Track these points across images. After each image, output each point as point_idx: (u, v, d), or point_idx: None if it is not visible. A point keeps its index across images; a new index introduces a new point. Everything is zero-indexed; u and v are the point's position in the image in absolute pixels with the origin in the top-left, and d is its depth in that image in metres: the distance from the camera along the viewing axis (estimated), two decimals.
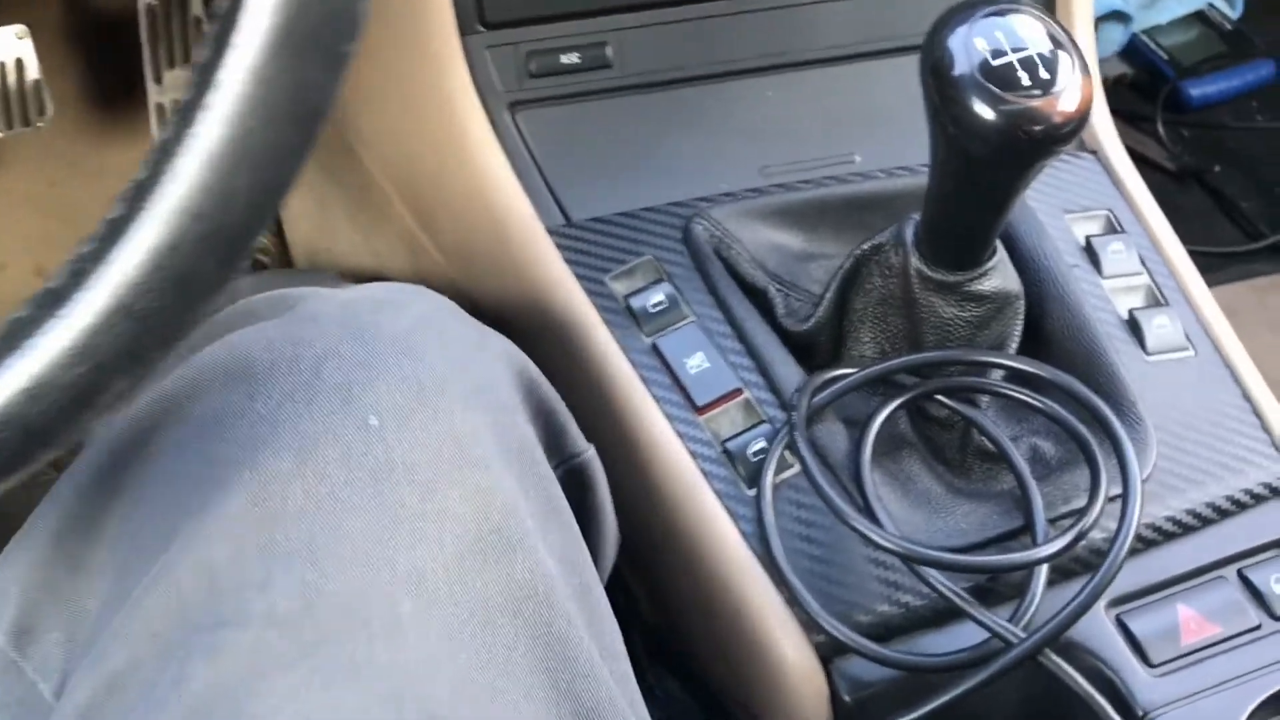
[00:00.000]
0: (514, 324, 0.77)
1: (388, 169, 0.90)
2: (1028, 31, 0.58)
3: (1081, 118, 0.58)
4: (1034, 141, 0.58)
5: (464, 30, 0.78)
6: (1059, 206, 0.80)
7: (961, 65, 0.58)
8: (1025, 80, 0.57)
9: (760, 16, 0.81)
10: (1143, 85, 1.62)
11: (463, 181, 0.80)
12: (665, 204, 0.79)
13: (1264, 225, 1.45)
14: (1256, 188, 1.51)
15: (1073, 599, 0.60)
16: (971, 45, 0.58)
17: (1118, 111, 1.56)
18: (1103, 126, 0.84)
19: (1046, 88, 0.57)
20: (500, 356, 0.60)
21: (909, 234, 0.68)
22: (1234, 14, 1.70)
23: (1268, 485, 0.70)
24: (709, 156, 0.81)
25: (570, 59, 0.80)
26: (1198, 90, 1.59)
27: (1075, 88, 0.58)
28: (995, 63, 0.57)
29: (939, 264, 0.68)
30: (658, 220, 0.78)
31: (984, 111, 0.57)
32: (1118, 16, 1.59)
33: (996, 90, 0.57)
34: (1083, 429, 0.66)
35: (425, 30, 0.78)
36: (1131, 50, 1.63)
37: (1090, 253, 0.77)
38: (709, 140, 0.82)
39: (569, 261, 0.76)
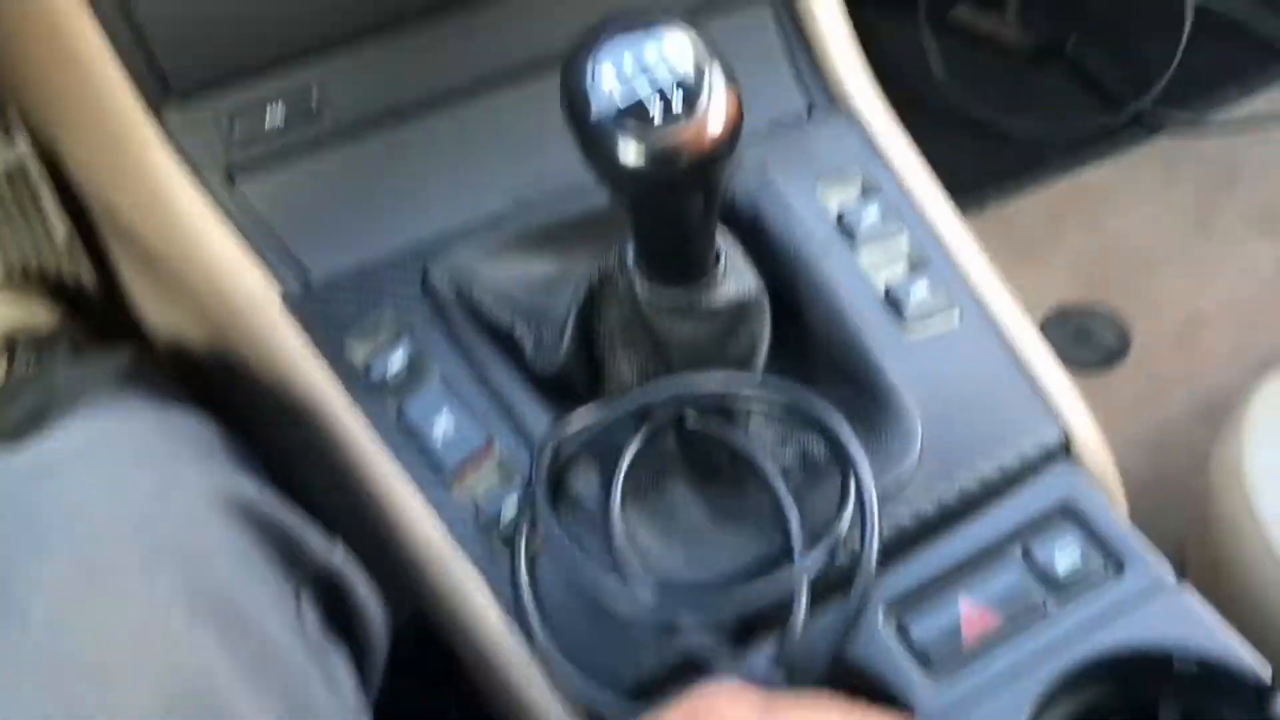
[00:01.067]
0: (259, 407, 0.74)
1: (140, 241, 0.86)
2: (662, 52, 0.54)
3: (734, 133, 0.54)
4: (687, 171, 0.54)
5: (154, 105, 0.73)
6: (811, 175, 0.75)
7: (596, 107, 0.53)
8: (660, 111, 0.53)
9: (467, 34, 0.76)
10: None
11: (186, 260, 0.76)
12: (403, 249, 0.75)
13: (1126, 94, 1.40)
14: (1117, 56, 1.45)
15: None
16: (600, 78, 0.53)
17: None
18: (855, 81, 0.79)
19: (688, 114, 0.53)
20: (198, 493, 0.57)
21: (629, 257, 0.65)
22: None
23: (1044, 448, 0.67)
24: (446, 190, 0.77)
25: (275, 116, 0.75)
26: None
27: (720, 106, 0.53)
28: (626, 96, 0.53)
29: (663, 283, 0.64)
30: (396, 268, 0.74)
31: (624, 152, 0.53)
32: None
33: (632, 129, 0.53)
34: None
35: (111, 110, 0.73)
36: None
37: (844, 224, 0.73)
38: (444, 173, 0.77)
39: (309, 329, 0.72)
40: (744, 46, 0.80)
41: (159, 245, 0.80)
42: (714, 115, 0.53)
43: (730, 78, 0.54)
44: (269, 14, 0.72)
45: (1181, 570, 0.65)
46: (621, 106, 0.53)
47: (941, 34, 1.46)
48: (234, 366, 0.78)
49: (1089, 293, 1.25)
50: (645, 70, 0.53)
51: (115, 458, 0.56)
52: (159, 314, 1.02)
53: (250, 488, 0.59)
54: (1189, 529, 0.88)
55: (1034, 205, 1.33)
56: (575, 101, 0.54)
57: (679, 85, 0.53)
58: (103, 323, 1.18)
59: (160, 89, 0.73)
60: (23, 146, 1.00)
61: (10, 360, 0.84)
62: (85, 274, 1.04)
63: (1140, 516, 0.96)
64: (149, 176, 0.75)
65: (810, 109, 0.79)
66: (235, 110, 0.75)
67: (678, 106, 0.52)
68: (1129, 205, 1.32)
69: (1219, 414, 0.86)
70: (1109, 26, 1.47)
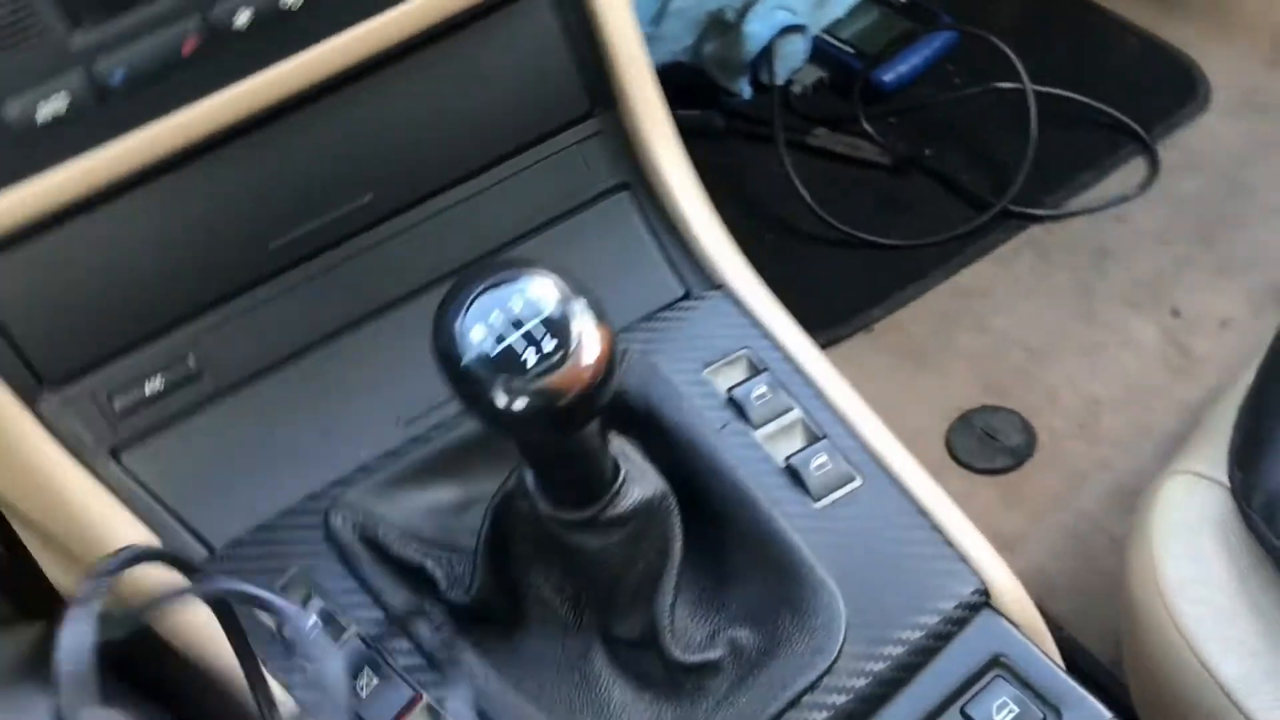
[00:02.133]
0: (177, 679, 0.71)
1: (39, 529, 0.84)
2: (526, 299, 0.54)
3: (608, 369, 0.54)
4: (570, 410, 0.54)
5: (27, 398, 0.72)
6: (698, 361, 0.76)
7: (467, 357, 0.54)
8: (533, 357, 0.53)
9: (336, 275, 0.77)
10: (840, 86, 1.61)
11: (84, 544, 0.74)
12: (301, 501, 0.73)
13: (990, 194, 1.45)
14: (974, 158, 1.51)
15: None
16: (469, 334, 0.54)
17: (821, 120, 1.56)
18: (724, 259, 0.81)
19: (561, 354, 0.54)
20: None
21: (529, 480, 0.65)
22: None
23: (965, 603, 0.67)
24: (339, 430, 0.76)
25: (155, 385, 0.74)
26: (890, 74, 1.58)
27: (591, 341, 0.54)
28: (498, 347, 0.53)
29: (566, 504, 0.64)
30: (297, 522, 0.73)
31: (504, 402, 0.53)
32: (793, 29, 1.57)
33: (507, 378, 0.53)
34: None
35: None
36: (819, 53, 1.62)
37: (736, 405, 0.74)
38: (334, 413, 0.77)
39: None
40: (612, 240, 0.82)
41: (57, 530, 0.78)
42: (586, 354, 0.54)
43: (599, 313, 0.55)
44: (135, 294, 0.72)
45: (1118, 662, 0.66)
46: (493, 356, 0.53)
47: (803, 159, 1.51)
48: (147, 642, 0.76)
49: (989, 394, 1.28)
50: (513, 319, 0.54)
51: None
52: (69, 584, 0.99)
53: None
54: (1121, 619, 0.89)
55: (920, 314, 1.37)
56: (448, 357, 0.54)
57: (548, 331, 0.54)
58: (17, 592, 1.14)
59: (32, 381, 0.72)
60: None
61: None
62: None
63: (1074, 612, 0.97)
64: (32, 467, 0.73)
65: (687, 293, 0.80)
66: (112, 387, 0.74)
67: (553, 345, 0.53)
68: (1011, 301, 1.36)
69: (1131, 499, 0.88)
70: (961, 132, 1.54)
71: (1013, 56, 1.48)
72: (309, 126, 0.72)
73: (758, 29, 1.54)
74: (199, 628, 0.69)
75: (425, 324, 0.78)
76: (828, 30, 1.63)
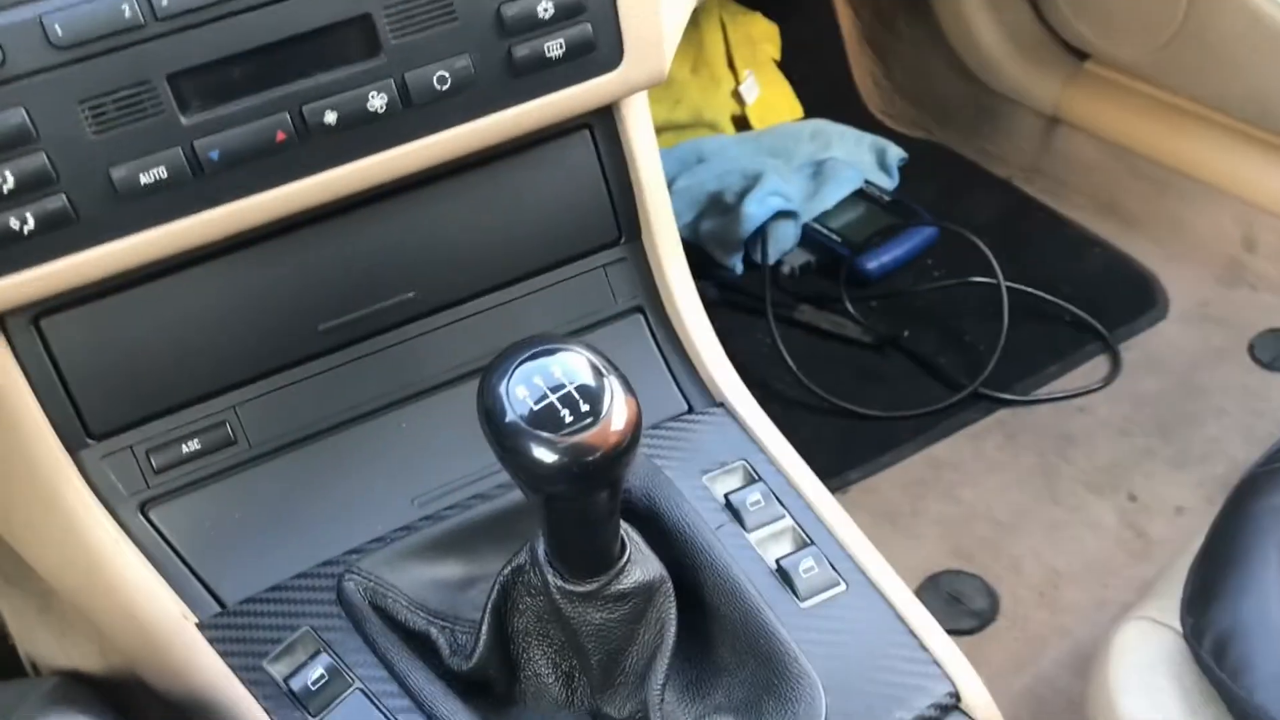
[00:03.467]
0: None
1: (48, 579, 0.87)
2: (565, 368, 0.61)
3: (634, 434, 0.61)
4: (598, 467, 0.60)
5: (72, 447, 0.77)
6: (697, 468, 0.82)
7: (510, 413, 0.60)
8: (569, 417, 0.60)
9: (373, 360, 0.83)
10: (826, 269, 1.72)
11: (101, 592, 0.78)
12: (316, 566, 0.78)
13: (963, 376, 1.54)
14: (948, 341, 1.61)
15: None
16: (514, 393, 0.60)
17: (808, 298, 1.67)
18: (725, 380, 0.88)
19: (594, 417, 0.60)
20: None
21: (540, 552, 0.69)
22: (891, 185, 1.84)
23: (937, 704, 0.72)
24: (357, 503, 0.81)
25: (192, 446, 0.79)
26: (873, 262, 1.70)
27: (620, 408, 0.61)
28: (539, 406, 0.60)
29: (575, 575, 0.69)
30: (310, 585, 0.77)
31: (540, 454, 0.59)
32: (786, 215, 1.70)
33: (545, 433, 0.59)
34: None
35: (30, 454, 0.76)
36: (808, 239, 1.74)
37: (732, 509, 0.80)
38: (354, 487, 0.82)
39: (227, 652, 0.74)
40: (624, 355, 0.89)
41: (69, 578, 0.82)
42: (616, 417, 0.60)
43: (627, 387, 0.62)
44: (188, 360, 0.78)
45: None
46: (534, 414, 0.60)
47: (790, 332, 1.61)
48: (141, 696, 0.79)
49: (956, 559, 1.34)
50: (553, 384, 0.61)
51: None
52: (54, 653, 1.01)
53: None
54: None
55: (894, 480, 1.44)
56: (492, 413, 0.60)
57: (583, 394, 0.60)
58: None
59: (80, 431, 0.77)
60: None
61: None
62: None
63: None
64: (63, 512, 0.77)
65: (690, 408, 0.87)
66: (151, 445, 0.79)
67: (586, 408, 0.60)
68: (979, 475, 1.44)
69: (1089, 666, 0.93)
70: (937, 318, 1.64)
71: (989, 254, 1.60)
72: (369, 224, 0.80)
73: (754, 211, 1.67)
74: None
75: (447, 413, 0.86)
76: (818, 219, 1.75)
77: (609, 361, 0.63)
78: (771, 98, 1.95)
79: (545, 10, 0.73)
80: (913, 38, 2.01)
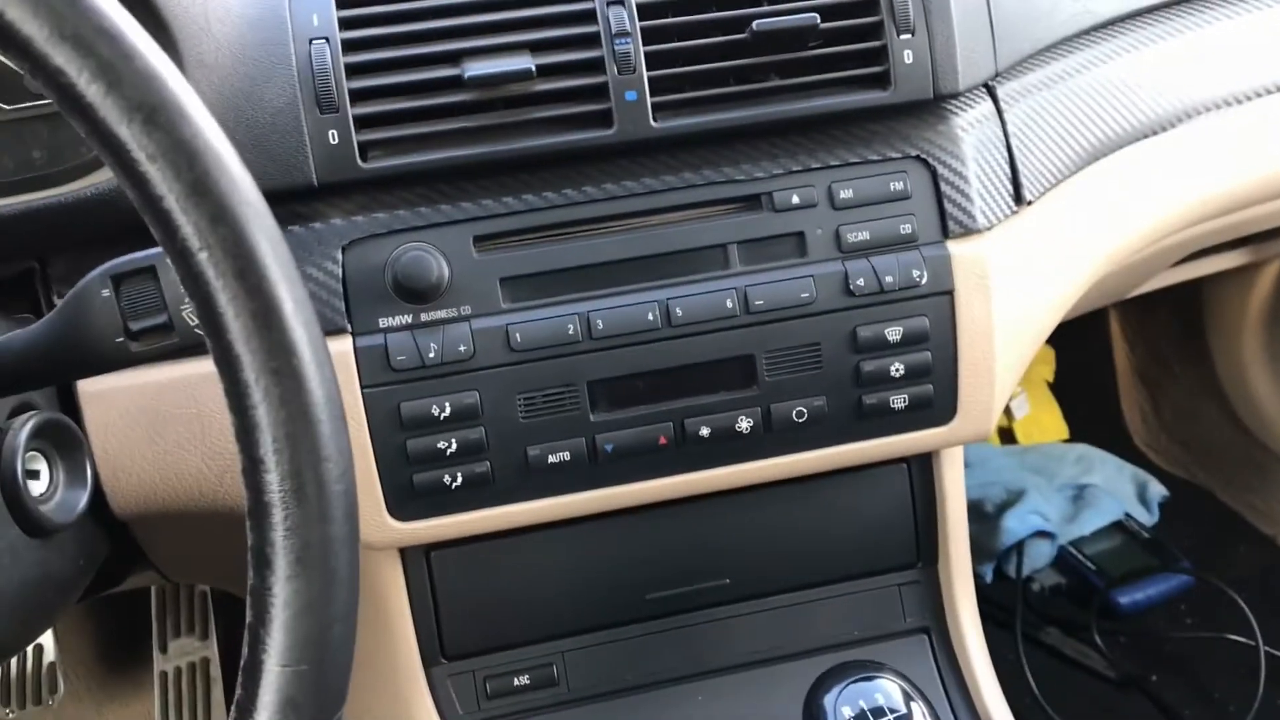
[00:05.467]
0: None
1: None
2: (884, 695, 0.70)
3: None
4: None
5: (428, 662, 0.90)
6: None
7: None
8: None
9: (684, 634, 0.94)
10: (1077, 594, 1.74)
11: None
12: None
13: None
14: (1196, 694, 1.59)
15: None
16: (839, 710, 0.70)
17: (1055, 619, 1.69)
18: (999, 712, 0.94)
19: None
20: None
21: None
22: (1150, 521, 1.87)
23: None
24: None
25: (522, 680, 0.92)
26: (1126, 598, 1.71)
27: None
28: None
29: None
30: None
31: None
32: (1044, 534, 1.75)
33: None
34: None
35: (392, 667, 0.90)
36: (1062, 562, 1.77)
37: None
38: None
39: None
40: (906, 673, 0.97)
41: None
42: None
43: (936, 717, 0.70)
44: (534, 606, 0.91)
45: None
46: None
47: (1033, 651, 1.63)
48: None
49: None
50: (873, 704, 0.70)
51: None
52: None
53: None
54: None
55: None
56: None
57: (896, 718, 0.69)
58: None
59: (437, 651, 0.91)
60: (214, 647, 1.18)
61: None
62: None
63: None
64: (408, 715, 0.90)
65: None
66: (490, 673, 0.92)
67: None
68: None
69: None
70: (1187, 668, 1.63)
71: (1248, 611, 1.60)
72: (705, 516, 0.93)
73: (1014, 526, 1.72)
74: None
75: (736, 693, 0.95)
76: (1073, 543, 1.79)
77: (918, 690, 0.72)
78: (1040, 416, 2.02)
79: (897, 370, 0.86)
80: (1185, 379, 2.06)
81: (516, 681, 0.92)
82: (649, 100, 0.81)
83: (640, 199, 0.84)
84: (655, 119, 0.81)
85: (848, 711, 0.69)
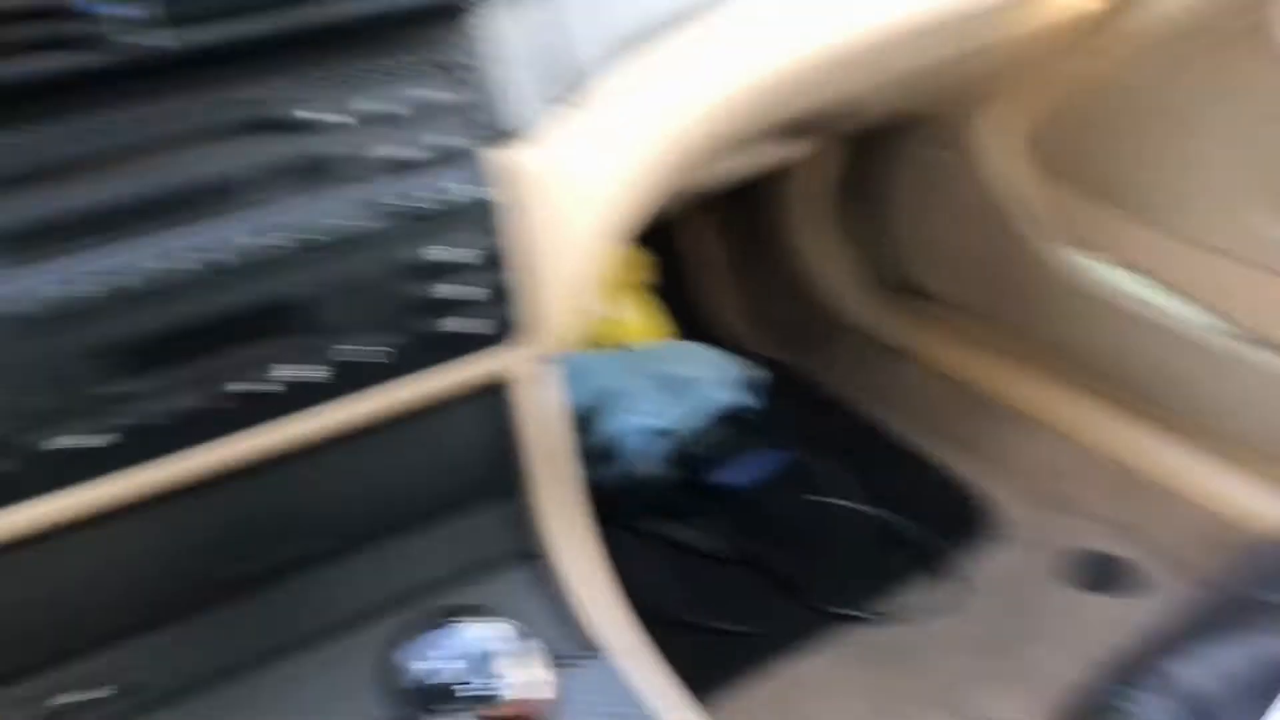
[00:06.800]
0: None
1: None
2: (466, 639, 0.66)
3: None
4: None
5: None
6: None
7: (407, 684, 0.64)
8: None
9: (271, 607, 0.86)
10: (687, 484, 1.80)
11: None
12: None
13: (800, 592, 1.63)
14: (808, 563, 1.69)
15: None
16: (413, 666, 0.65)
17: (670, 512, 1.74)
18: (610, 627, 0.93)
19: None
20: None
21: None
22: (747, 404, 1.95)
23: None
24: None
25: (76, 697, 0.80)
26: (729, 478, 1.79)
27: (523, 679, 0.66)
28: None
29: None
30: None
31: None
32: (651, 432, 1.78)
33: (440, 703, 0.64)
34: None
35: None
36: (671, 455, 1.82)
37: None
38: None
39: None
40: (510, 603, 0.94)
41: None
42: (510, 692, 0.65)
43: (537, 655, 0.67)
44: (85, 621, 0.80)
45: None
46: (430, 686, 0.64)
47: (652, 547, 1.68)
48: None
49: None
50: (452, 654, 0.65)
51: None
52: None
53: None
54: None
55: (753, 701, 1.49)
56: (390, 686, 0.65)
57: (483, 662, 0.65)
58: None
59: None
60: None
61: None
62: None
63: None
64: None
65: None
66: (48, 693, 0.80)
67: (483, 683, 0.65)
68: (822, 688, 1.51)
69: None
70: (798, 538, 1.73)
71: (838, 475, 1.71)
72: (274, 477, 0.84)
73: (619, 427, 1.75)
74: None
75: (338, 664, 0.88)
76: (679, 436, 1.84)
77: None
78: (640, 319, 2.06)
79: (447, 294, 0.81)
80: (767, 266, 2.17)
81: (65, 699, 0.80)
82: (148, 14, 0.69)
83: (142, 129, 0.72)
84: (154, 36, 0.70)
85: (424, 666, 0.64)
